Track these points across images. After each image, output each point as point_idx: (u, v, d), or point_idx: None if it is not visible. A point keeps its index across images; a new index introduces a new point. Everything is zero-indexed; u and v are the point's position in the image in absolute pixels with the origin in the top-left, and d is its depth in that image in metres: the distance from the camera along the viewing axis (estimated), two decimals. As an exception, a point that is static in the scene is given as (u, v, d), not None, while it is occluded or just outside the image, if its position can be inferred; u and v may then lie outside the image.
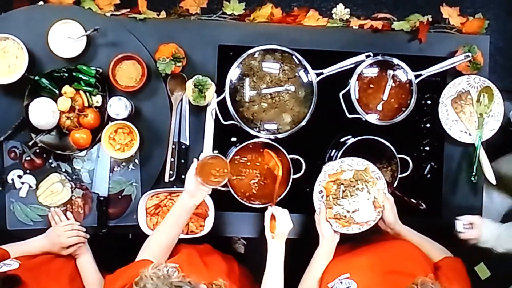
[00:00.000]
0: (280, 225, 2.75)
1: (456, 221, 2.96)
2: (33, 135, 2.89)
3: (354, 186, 2.78)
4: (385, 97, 2.97)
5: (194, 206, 2.68)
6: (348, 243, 2.83)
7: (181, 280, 2.15)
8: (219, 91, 2.94)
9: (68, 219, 2.96)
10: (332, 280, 2.56)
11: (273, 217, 2.78)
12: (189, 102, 2.99)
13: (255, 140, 2.90)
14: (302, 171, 2.94)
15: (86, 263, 2.86)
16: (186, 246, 2.78)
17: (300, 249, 2.82)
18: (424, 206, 2.88)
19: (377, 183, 2.79)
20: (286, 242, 2.77)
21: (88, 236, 2.91)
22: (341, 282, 2.50)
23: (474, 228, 2.94)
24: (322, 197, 2.80)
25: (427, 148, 3.15)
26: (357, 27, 3.13)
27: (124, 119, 2.91)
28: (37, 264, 2.69)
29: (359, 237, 2.81)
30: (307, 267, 2.75)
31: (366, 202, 2.77)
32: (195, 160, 2.68)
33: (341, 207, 2.77)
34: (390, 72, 2.97)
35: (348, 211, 2.77)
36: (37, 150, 2.97)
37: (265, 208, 2.87)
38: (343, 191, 2.78)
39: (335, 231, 2.76)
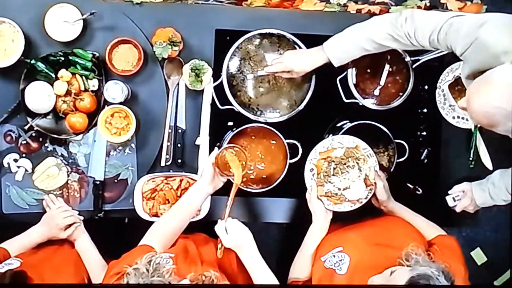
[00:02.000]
0: (226, 240, 2.63)
1: (446, 197, 2.97)
2: (29, 119, 2.88)
3: (345, 164, 2.78)
4: (382, 82, 2.97)
5: (209, 194, 2.71)
6: (341, 220, 2.83)
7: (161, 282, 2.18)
8: (216, 75, 2.93)
9: None
10: (325, 253, 2.58)
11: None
12: (186, 87, 2.98)
13: (252, 124, 2.90)
14: (299, 156, 2.94)
15: (85, 246, 2.86)
16: (183, 236, 2.79)
17: (297, 233, 2.83)
18: (421, 191, 2.88)
19: (368, 160, 2.80)
20: (283, 227, 2.78)
21: (82, 217, 2.91)
22: (334, 256, 2.52)
23: (465, 197, 2.95)
24: (313, 175, 2.81)
25: (424, 133, 3.15)
26: (354, 12, 3.11)
27: (120, 103, 2.90)
28: (40, 260, 2.70)
29: (353, 214, 2.82)
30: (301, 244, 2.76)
31: (357, 180, 2.78)
32: (216, 149, 2.69)
33: (332, 185, 2.77)
34: (388, 57, 2.96)
35: (339, 189, 2.77)
36: (33, 134, 2.95)
37: (262, 193, 2.88)
38: (334, 169, 2.78)
39: (327, 209, 2.77)
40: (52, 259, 2.74)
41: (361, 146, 2.82)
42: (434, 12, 2.52)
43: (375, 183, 2.78)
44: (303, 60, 2.79)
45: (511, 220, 2.78)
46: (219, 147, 2.70)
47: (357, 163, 2.79)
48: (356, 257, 2.46)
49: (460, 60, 2.89)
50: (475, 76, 2.26)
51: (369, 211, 2.85)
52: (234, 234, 2.63)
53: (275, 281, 2.63)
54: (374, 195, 2.80)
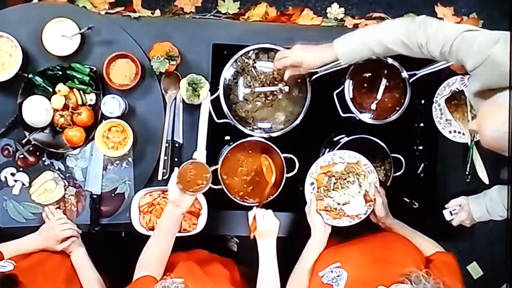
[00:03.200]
0: (261, 224, 2.75)
1: (443, 211, 2.98)
2: (26, 133, 2.89)
3: (345, 179, 2.79)
4: (379, 96, 2.98)
5: (181, 215, 2.68)
6: (340, 235, 2.83)
7: None
8: (213, 89, 2.94)
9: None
10: (323, 269, 2.57)
11: (255, 217, 2.79)
12: (183, 101, 2.98)
13: (249, 138, 2.90)
14: (296, 170, 2.94)
15: (81, 259, 2.86)
16: (183, 257, 2.79)
17: (293, 247, 2.83)
18: (417, 205, 2.88)
19: (368, 176, 2.80)
20: (279, 241, 2.77)
21: (80, 231, 2.91)
22: (332, 271, 2.51)
23: (462, 211, 2.96)
24: (313, 188, 2.81)
25: (421, 148, 3.16)
26: (351, 26, 3.12)
27: (117, 118, 2.91)
28: (32, 264, 2.69)
29: (351, 229, 2.82)
30: (299, 258, 2.76)
31: (357, 195, 2.78)
32: (176, 169, 2.69)
33: (331, 199, 2.78)
34: (384, 71, 2.97)
35: (338, 204, 2.78)
36: (31, 148, 2.96)
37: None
38: (334, 183, 2.79)
39: (326, 223, 2.77)
40: (44, 265, 2.73)
41: (362, 162, 2.82)
42: (447, 23, 2.52)
43: (374, 199, 2.79)
44: (313, 55, 2.73)
45: (507, 234, 2.77)
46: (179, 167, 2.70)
47: (358, 179, 2.80)
48: (354, 273, 2.45)
49: (457, 74, 2.92)
50: (484, 94, 2.27)
51: (367, 227, 2.84)
52: (269, 221, 2.75)
53: (278, 279, 2.72)
54: (373, 211, 2.80)
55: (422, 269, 2.31)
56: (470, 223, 2.98)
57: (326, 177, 2.82)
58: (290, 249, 2.84)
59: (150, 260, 2.64)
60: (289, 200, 2.92)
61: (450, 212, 3.00)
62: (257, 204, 2.86)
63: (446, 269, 2.55)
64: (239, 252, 3.99)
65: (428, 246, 2.73)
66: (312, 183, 2.83)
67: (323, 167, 2.83)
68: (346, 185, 2.80)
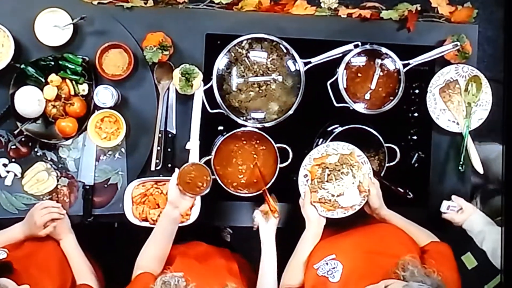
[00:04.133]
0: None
1: (444, 201, 2.99)
2: (18, 124, 2.88)
3: (339, 170, 2.78)
4: (373, 86, 2.97)
5: (180, 216, 2.69)
6: (334, 227, 2.83)
7: None
8: (206, 80, 2.92)
9: None
10: (318, 261, 2.57)
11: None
12: (176, 91, 2.97)
13: (242, 129, 2.89)
14: (289, 160, 2.93)
15: (70, 246, 2.85)
16: (181, 250, 2.78)
17: (287, 238, 2.82)
18: (412, 195, 2.87)
19: (362, 167, 2.80)
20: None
21: (64, 212, 2.88)
22: (327, 263, 2.51)
23: (462, 214, 2.96)
24: (307, 180, 2.81)
25: (415, 137, 3.15)
26: (345, 16, 3.11)
27: (110, 108, 2.90)
28: (25, 253, 2.69)
29: (345, 221, 2.81)
30: (294, 250, 2.75)
31: (351, 186, 2.78)
32: (176, 169, 2.68)
33: (326, 191, 2.77)
34: (378, 61, 2.96)
35: (333, 195, 2.77)
36: (23, 139, 2.95)
37: (252, 197, 2.89)
38: (328, 175, 2.78)
39: (320, 215, 2.76)
40: (38, 254, 2.74)
41: (356, 153, 2.81)
42: None
43: (368, 190, 2.78)
44: None
45: (502, 225, 2.77)
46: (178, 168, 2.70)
47: (351, 170, 2.79)
48: (349, 265, 2.45)
49: (451, 64, 2.92)
50: None
51: (361, 218, 2.84)
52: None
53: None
54: (367, 202, 2.80)
55: (410, 258, 2.32)
56: (458, 224, 3.00)
57: (320, 169, 2.81)
58: (284, 239, 2.84)
59: (149, 260, 2.65)
60: (283, 191, 2.92)
61: (449, 206, 3.00)
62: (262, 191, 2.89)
63: (441, 259, 2.55)
64: (232, 242, 3.98)
65: (423, 236, 2.74)
66: (306, 175, 2.82)
67: (317, 158, 2.82)
68: (340, 177, 2.79)
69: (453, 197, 3.03)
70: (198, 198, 2.92)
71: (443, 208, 3.01)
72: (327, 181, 2.79)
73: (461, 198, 3.02)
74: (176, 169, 2.68)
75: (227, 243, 3.98)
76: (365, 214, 2.85)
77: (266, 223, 2.80)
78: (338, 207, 2.79)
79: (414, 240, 2.67)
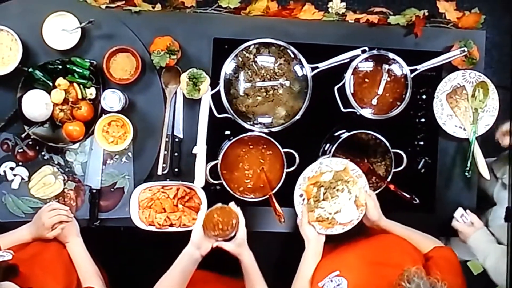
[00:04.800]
0: None
1: (459, 208, 3.01)
2: (26, 127, 2.88)
3: (334, 188, 2.78)
4: (380, 91, 2.97)
5: (200, 258, 2.66)
6: (334, 241, 2.83)
7: None
8: (214, 84, 2.93)
9: None
10: (322, 279, 2.56)
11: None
12: (183, 95, 2.98)
13: (249, 133, 2.89)
14: (296, 165, 2.93)
15: (77, 249, 2.85)
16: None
17: (294, 243, 2.82)
18: (418, 201, 2.87)
19: (357, 182, 2.79)
20: (280, 236, 2.77)
21: (72, 215, 2.89)
22: (332, 280, 2.50)
23: (469, 227, 2.97)
24: (303, 200, 2.80)
25: (422, 143, 3.14)
26: (353, 21, 3.12)
27: (117, 112, 2.90)
28: (30, 255, 2.68)
29: (345, 234, 2.81)
30: (297, 270, 2.75)
31: (347, 202, 2.78)
32: (203, 210, 2.69)
33: (322, 210, 2.77)
34: (386, 66, 2.96)
35: (330, 213, 2.77)
36: (30, 142, 2.95)
37: (259, 202, 2.88)
38: (324, 193, 2.78)
39: (319, 233, 2.76)
40: (43, 256, 2.73)
41: (349, 168, 2.82)
42: None
43: (365, 203, 2.78)
44: None
45: (508, 230, 2.77)
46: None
47: (347, 186, 2.79)
48: (354, 280, 2.45)
49: (459, 69, 2.92)
50: None
51: (361, 230, 2.85)
52: None
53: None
54: (366, 215, 2.80)
55: (420, 267, 2.31)
56: (463, 237, 3.02)
57: (315, 188, 2.80)
58: (291, 243, 2.84)
59: None
60: (290, 195, 2.91)
61: (463, 214, 3.00)
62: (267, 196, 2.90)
63: (445, 264, 2.55)
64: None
65: (426, 242, 2.73)
66: (301, 195, 2.82)
67: (311, 178, 2.82)
68: (335, 194, 2.78)
69: (468, 211, 3.03)
70: (205, 203, 2.92)
71: (457, 214, 3.02)
72: (323, 200, 2.78)
73: (474, 215, 3.02)
74: (203, 210, 2.67)
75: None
76: (365, 226, 2.85)
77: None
78: (337, 224, 2.79)
79: (417, 247, 2.66)
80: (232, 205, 2.71)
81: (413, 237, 2.72)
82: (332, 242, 2.82)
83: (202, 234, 2.63)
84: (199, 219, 2.65)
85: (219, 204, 2.70)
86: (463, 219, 3.01)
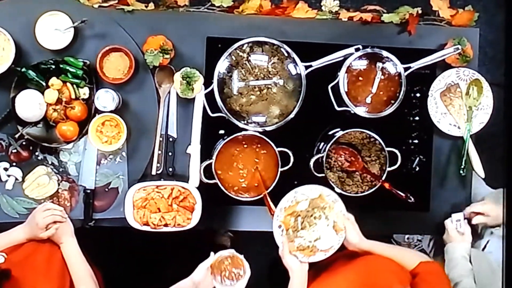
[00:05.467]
0: None
1: (461, 213, 3.03)
2: (19, 128, 2.87)
3: (311, 216, 2.78)
4: (374, 89, 2.96)
5: None
6: (319, 268, 2.84)
7: None
8: (207, 83, 2.92)
9: None
10: None
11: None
12: (177, 95, 2.97)
13: (243, 132, 2.89)
14: (290, 164, 2.93)
15: (71, 250, 2.84)
16: None
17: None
18: (413, 199, 2.87)
19: (333, 207, 2.80)
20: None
21: (66, 215, 2.88)
22: None
23: (459, 235, 2.98)
24: (282, 231, 2.80)
25: (416, 141, 3.14)
26: (346, 19, 3.11)
27: (111, 112, 2.89)
28: (23, 257, 2.68)
29: (330, 260, 2.83)
30: None
31: (326, 229, 2.78)
32: (212, 254, 2.68)
33: (302, 239, 2.77)
34: (379, 64, 2.96)
35: (310, 241, 2.77)
36: (24, 143, 2.94)
37: (253, 201, 2.88)
38: (302, 223, 2.78)
39: (301, 262, 2.76)
40: (36, 258, 2.73)
41: (324, 194, 2.82)
42: None
43: (344, 227, 2.78)
44: None
45: (503, 239, 2.79)
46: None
47: (323, 212, 2.79)
48: None
49: (453, 67, 2.92)
50: None
51: (345, 252, 2.86)
52: None
53: None
54: (346, 238, 2.80)
55: (407, 286, 2.32)
56: (443, 238, 3.07)
57: (292, 218, 2.80)
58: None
59: None
60: (284, 194, 2.91)
61: (459, 219, 3.01)
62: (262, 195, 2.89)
63: (433, 279, 2.56)
64: (232, 246, 3.97)
65: (411, 258, 2.72)
66: (280, 226, 2.82)
67: (287, 208, 2.82)
68: (313, 222, 2.78)
69: (465, 221, 3.04)
70: (199, 203, 2.91)
71: (454, 216, 3.03)
72: (301, 229, 2.79)
73: (469, 227, 3.03)
74: (212, 254, 2.68)
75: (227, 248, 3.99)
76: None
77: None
78: (318, 251, 2.78)
79: (403, 266, 2.66)
80: (243, 257, 2.71)
81: (397, 255, 2.71)
82: (317, 269, 2.82)
83: (206, 275, 2.63)
84: (207, 261, 2.65)
85: (232, 251, 2.70)
86: (457, 225, 3.01)
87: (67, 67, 2.87)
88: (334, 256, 2.81)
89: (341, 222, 2.78)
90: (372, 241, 2.79)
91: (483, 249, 3.07)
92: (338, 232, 2.77)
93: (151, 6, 3.05)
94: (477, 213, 2.99)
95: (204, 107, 2.94)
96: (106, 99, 2.86)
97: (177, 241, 2.70)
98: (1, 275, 2.38)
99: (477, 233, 3.13)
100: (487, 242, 3.07)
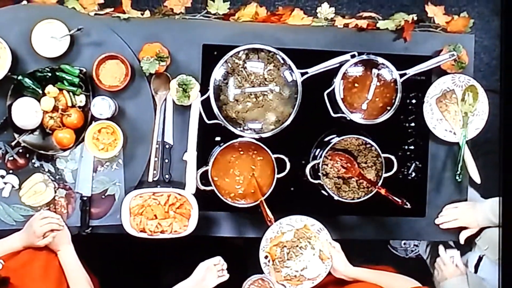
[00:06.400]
0: None
1: (456, 251, 3.10)
2: (16, 135, 2.87)
3: (297, 246, 2.85)
4: (369, 96, 2.97)
5: None
6: None
7: None
8: (203, 90, 2.92)
9: None
10: None
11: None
12: (173, 102, 2.98)
13: (239, 139, 2.89)
14: (287, 171, 2.93)
15: (68, 257, 2.84)
16: None
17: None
18: (409, 205, 2.87)
19: (319, 236, 2.85)
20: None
21: (63, 223, 2.88)
22: None
23: (454, 267, 3.05)
24: (268, 261, 2.84)
25: (412, 147, 3.15)
26: (342, 26, 3.12)
27: (107, 119, 2.90)
28: (20, 264, 2.68)
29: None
30: None
31: (312, 258, 2.84)
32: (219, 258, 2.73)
33: (289, 269, 2.83)
34: (375, 71, 2.96)
35: (296, 271, 2.83)
36: (20, 150, 2.94)
37: (250, 208, 2.89)
38: (288, 253, 2.84)
39: None
40: (34, 264, 2.73)
41: (309, 224, 2.87)
42: None
43: (330, 256, 2.80)
44: None
45: (499, 243, 2.79)
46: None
47: (309, 242, 2.83)
48: None
49: (448, 73, 2.92)
50: None
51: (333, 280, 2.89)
52: None
53: None
54: (332, 266, 2.83)
55: None
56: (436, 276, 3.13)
57: (278, 249, 2.86)
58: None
59: None
60: (280, 202, 2.91)
61: (452, 257, 3.07)
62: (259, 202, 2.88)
63: None
64: (234, 253, 3.97)
65: (401, 284, 2.72)
66: (266, 257, 2.85)
67: (273, 239, 2.87)
68: (299, 252, 2.83)
69: (458, 256, 3.08)
70: (196, 209, 2.91)
71: (448, 254, 3.09)
72: (288, 260, 2.83)
73: (461, 260, 3.08)
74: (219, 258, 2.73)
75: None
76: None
77: None
78: (305, 280, 2.84)
79: None
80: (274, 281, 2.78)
81: (387, 282, 2.72)
82: None
83: (206, 274, 2.74)
84: (209, 261, 2.77)
85: (263, 275, 2.80)
86: (452, 260, 3.03)
87: (64, 75, 2.88)
88: (323, 283, 2.82)
89: (327, 251, 2.82)
90: (359, 268, 2.82)
91: (475, 268, 3.07)
92: (325, 261, 2.82)
93: (147, 14, 3.05)
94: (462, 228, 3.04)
95: (200, 114, 2.94)
96: (102, 106, 2.86)
97: (174, 248, 2.69)
98: (1, 283, 2.37)
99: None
100: (479, 260, 3.07)
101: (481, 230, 3.07)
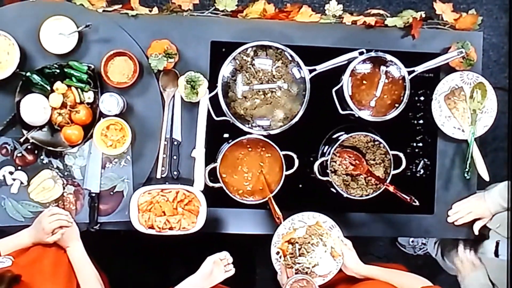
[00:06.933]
0: None
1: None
2: (24, 132, 2.88)
3: (309, 242, 2.84)
4: (378, 93, 2.96)
5: None
6: None
7: None
8: (212, 87, 2.92)
9: None
10: None
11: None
12: (182, 98, 2.97)
13: (248, 136, 2.89)
14: (295, 168, 2.93)
15: (77, 254, 2.84)
16: None
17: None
18: (417, 202, 2.86)
19: (330, 233, 2.84)
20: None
21: (72, 220, 2.89)
22: None
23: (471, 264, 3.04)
24: (280, 257, 2.84)
25: (420, 145, 3.14)
26: (350, 23, 3.12)
27: (116, 116, 2.90)
28: (30, 261, 2.68)
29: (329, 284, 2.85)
30: None
31: (324, 255, 2.83)
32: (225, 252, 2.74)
33: (300, 265, 2.81)
34: (383, 68, 2.96)
35: (308, 267, 2.81)
36: (29, 147, 2.95)
37: (258, 205, 2.88)
38: (299, 249, 2.83)
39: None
40: (43, 261, 2.73)
41: (321, 221, 2.87)
42: None
43: (342, 253, 2.80)
44: None
45: (508, 241, 2.80)
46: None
47: (321, 239, 2.82)
48: None
49: (456, 71, 2.92)
50: None
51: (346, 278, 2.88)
52: None
53: None
54: (344, 264, 2.83)
55: None
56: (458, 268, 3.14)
57: (290, 245, 2.85)
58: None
59: None
60: (289, 198, 2.92)
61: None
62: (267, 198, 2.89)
63: None
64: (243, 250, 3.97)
65: (412, 283, 2.71)
66: (278, 253, 2.85)
67: (285, 235, 2.86)
68: (311, 249, 2.82)
69: (472, 252, 3.13)
70: (204, 206, 2.91)
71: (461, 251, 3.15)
72: (299, 256, 2.82)
73: (475, 255, 3.13)
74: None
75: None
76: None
77: None
78: (316, 276, 2.83)
79: None
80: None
81: (398, 281, 2.71)
82: None
83: (213, 267, 2.74)
84: (216, 255, 2.77)
85: (305, 276, 2.77)
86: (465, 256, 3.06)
87: (72, 72, 2.88)
88: (333, 281, 2.82)
89: (339, 248, 2.81)
90: (370, 266, 2.81)
91: (495, 254, 3.07)
92: (336, 258, 2.82)
93: (155, 10, 3.05)
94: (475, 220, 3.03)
95: (208, 111, 2.94)
96: (110, 103, 2.86)
97: (182, 244, 2.69)
98: (12, 280, 2.37)
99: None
100: (497, 246, 3.07)
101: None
